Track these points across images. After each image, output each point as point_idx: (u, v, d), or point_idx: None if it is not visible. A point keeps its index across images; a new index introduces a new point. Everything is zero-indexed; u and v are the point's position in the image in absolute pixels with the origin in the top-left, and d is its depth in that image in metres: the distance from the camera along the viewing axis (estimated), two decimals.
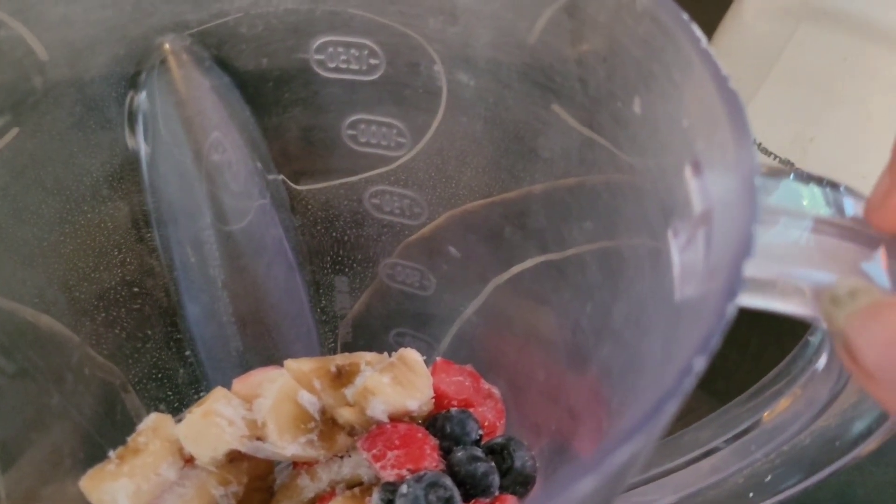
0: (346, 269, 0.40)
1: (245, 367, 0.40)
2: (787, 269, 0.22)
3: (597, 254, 0.31)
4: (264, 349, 0.39)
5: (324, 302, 0.42)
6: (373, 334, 0.43)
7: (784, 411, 0.30)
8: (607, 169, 0.29)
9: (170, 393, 0.39)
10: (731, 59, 0.48)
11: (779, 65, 0.46)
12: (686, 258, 0.23)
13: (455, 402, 0.38)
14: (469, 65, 0.32)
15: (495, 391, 0.40)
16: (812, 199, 0.25)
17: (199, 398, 0.41)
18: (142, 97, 0.31)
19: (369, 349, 0.38)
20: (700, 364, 0.17)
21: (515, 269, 0.36)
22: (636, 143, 0.27)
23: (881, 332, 0.20)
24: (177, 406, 0.40)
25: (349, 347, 0.44)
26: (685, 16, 0.24)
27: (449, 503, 0.32)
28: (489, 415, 0.39)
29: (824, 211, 0.25)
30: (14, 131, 0.28)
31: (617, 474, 0.16)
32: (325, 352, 0.43)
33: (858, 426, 0.29)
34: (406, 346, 0.42)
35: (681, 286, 0.23)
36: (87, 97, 0.30)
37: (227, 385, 0.35)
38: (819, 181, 0.25)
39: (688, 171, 0.24)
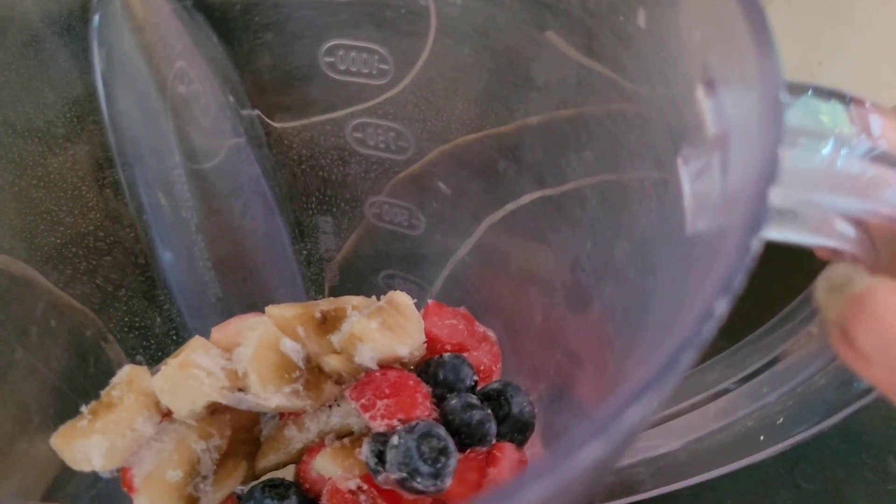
0: (331, 209, 0.38)
1: (226, 314, 0.38)
2: (811, 197, 0.20)
3: (597, 187, 0.28)
4: (245, 295, 0.37)
5: (308, 245, 0.39)
6: (361, 277, 0.41)
7: (799, 351, 0.28)
8: (608, 94, 0.26)
9: (147, 343, 0.37)
10: None
11: None
12: (699, 188, 0.21)
13: (448, 347, 0.36)
14: None
15: (490, 334, 0.38)
16: (833, 117, 0.22)
17: (179, 346, 0.39)
18: (95, 21, 0.28)
19: (357, 293, 0.36)
20: (722, 307, 0.15)
21: (510, 205, 0.33)
22: (640, 62, 0.24)
23: (878, 314, 0.20)
24: (158, 357, 0.38)
25: (337, 291, 0.42)
26: None
27: (443, 454, 0.30)
28: (484, 359, 0.37)
29: (848, 129, 0.22)
30: None
31: (627, 435, 0.14)
32: (311, 297, 0.41)
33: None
34: (396, 289, 0.40)
35: (693, 219, 0.21)
36: (32, 25, 0.27)
37: (209, 334, 0.33)
38: (841, 97, 0.23)
39: (700, 91, 0.21)
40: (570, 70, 0.27)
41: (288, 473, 0.36)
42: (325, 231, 0.39)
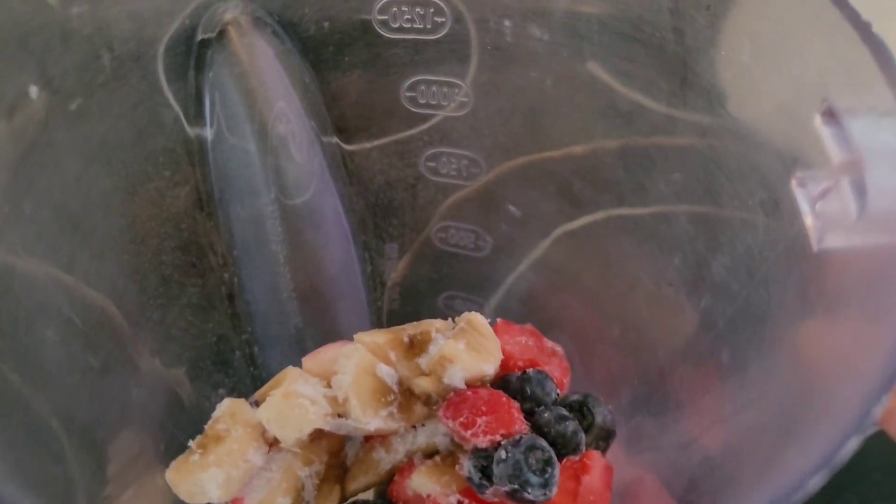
0: (398, 236, 0.39)
1: (301, 344, 0.39)
2: None
3: (686, 206, 0.30)
4: (322, 324, 0.38)
5: (370, 269, 0.41)
6: (421, 299, 0.42)
7: None
8: (702, 121, 0.28)
9: (227, 377, 0.37)
10: None
11: None
12: (825, 208, 0.23)
13: (520, 363, 0.38)
14: (543, 18, 0.30)
15: (558, 349, 0.39)
16: None
17: (256, 379, 0.40)
18: (204, 72, 0.29)
19: (416, 315, 0.38)
20: None
21: (582, 220, 0.35)
22: (741, 93, 0.26)
23: None
24: (232, 388, 0.38)
25: (395, 314, 0.43)
26: None
27: (548, 464, 0.32)
28: (556, 372, 0.39)
29: None
30: (86, 113, 0.26)
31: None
32: (373, 321, 0.42)
33: None
34: (456, 310, 0.42)
35: (820, 237, 0.23)
36: (151, 73, 0.28)
37: (281, 364, 0.34)
38: None
39: (818, 120, 0.23)
40: (659, 97, 0.29)
41: (368, 495, 0.37)
42: (389, 257, 0.40)
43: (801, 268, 0.24)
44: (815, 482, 0.15)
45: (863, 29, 0.22)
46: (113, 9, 0.26)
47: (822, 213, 0.23)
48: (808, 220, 0.24)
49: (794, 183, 0.25)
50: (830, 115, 0.23)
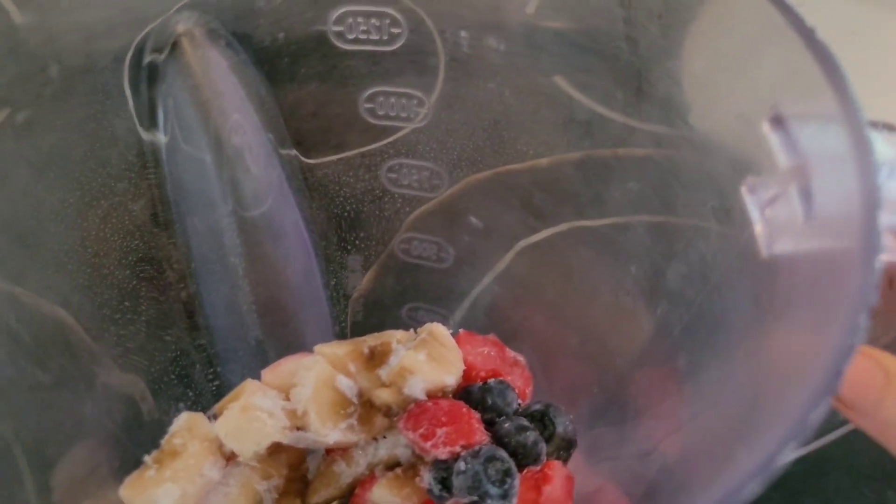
0: (361, 247, 0.39)
1: (262, 356, 0.38)
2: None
3: (643, 215, 0.30)
4: (283, 337, 0.38)
5: (335, 282, 0.40)
6: (385, 311, 0.42)
7: None
8: (658, 130, 0.28)
9: (188, 390, 0.37)
10: None
11: None
12: (774, 214, 0.23)
13: (483, 373, 0.38)
14: (499, 30, 0.31)
15: (520, 358, 0.39)
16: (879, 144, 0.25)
17: (216, 393, 0.39)
18: (157, 84, 0.29)
19: (380, 327, 0.37)
20: (864, 321, 0.17)
21: (543, 233, 0.35)
22: (695, 101, 0.27)
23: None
24: (193, 402, 0.38)
25: (359, 326, 0.43)
26: None
27: (508, 475, 0.32)
28: (518, 382, 0.39)
29: (886, 154, 0.25)
30: (34, 125, 0.26)
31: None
32: (335, 334, 0.42)
33: None
34: (420, 321, 0.42)
35: (769, 242, 0.23)
36: (102, 85, 0.28)
37: (243, 377, 0.34)
38: (874, 124, 0.26)
39: (766, 126, 0.24)
40: (615, 106, 0.30)
41: None
42: (353, 269, 0.40)
43: (753, 274, 0.24)
44: (752, 487, 0.15)
45: (807, 35, 0.22)
46: (61, 20, 0.26)
47: (771, 219, 0.23)
48: (758, 227, 0.24)
49: (744, 190, 0.25)
50: (778, 122, 0.23)
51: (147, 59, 0.29)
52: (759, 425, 0.21)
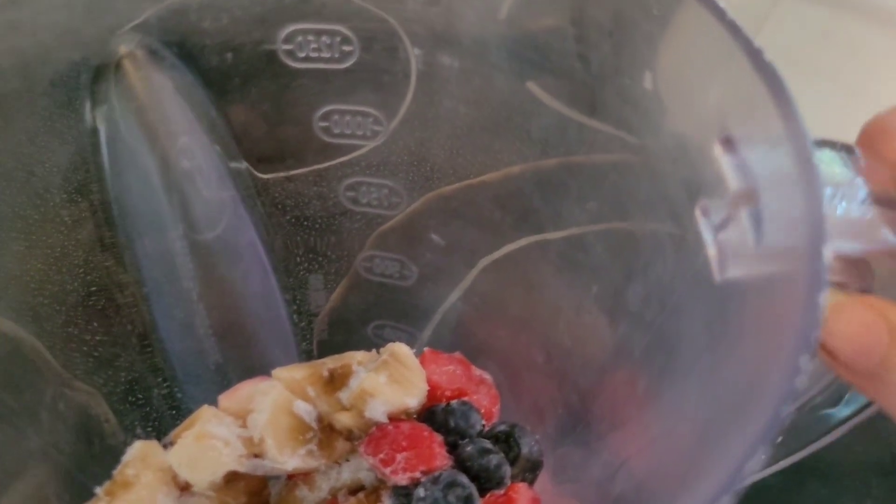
0: (322, 267, 0.38)
1: (223, 380, 0.38)
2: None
3: (602, 234, 0.30)
4: (244, 360, 0.37)
5: (298, 301, 0.40)
6: (350, 329, 0.41)
7: None
8: (613, 148, 0.28)
9: (146, 416, 0.36)
10: None
11: (758, 40, 0.45)
12: (725, 238, 0.23)
13: (448, 393, 0.37)
14: (452, 46, 0.30)
15: (487, 376, 0.39)
16: (829, 165, 0.25)
17: (176, 418, 0.39)
18: (99, 106, 0.28)
19: (347, 346, 0.37)
20: (806, 363, 0.16)
21: (505, 249, 0.35)
22: (648, 121, 0.26)
23: (847, 327, 0.22)
24: (152, 428, 0.37)
25: (326, 345, 0.42)
26: None
27: (469, 501, 0.31)
28: (484, 401, 0.38)
29: (846, 176, 0.24)
30: None
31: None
32: (301, 353, 0.41)
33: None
34: (386, 339, 0.41)
35: (721, 267, 0.23)
36: (40, 111, 0.27)
37: (205, 401, 0.33)
38: (833, 145, 0.25)
39: (717, 149, 0.23)
40: (570, 125, 0.29)
41: None
42: (315, 288, 0.39)
43: (706, 300, 0.23)
44: None
45: (755, 56, 0.21)
46: None
47: (723, 242, 0.23)
48: (711, 251, 0.23)
49: (698, 212, 0.24)
50: (729, 144, 0.23)
51: (88, 82, 0.28)
52: (714, 453, 0.20)
